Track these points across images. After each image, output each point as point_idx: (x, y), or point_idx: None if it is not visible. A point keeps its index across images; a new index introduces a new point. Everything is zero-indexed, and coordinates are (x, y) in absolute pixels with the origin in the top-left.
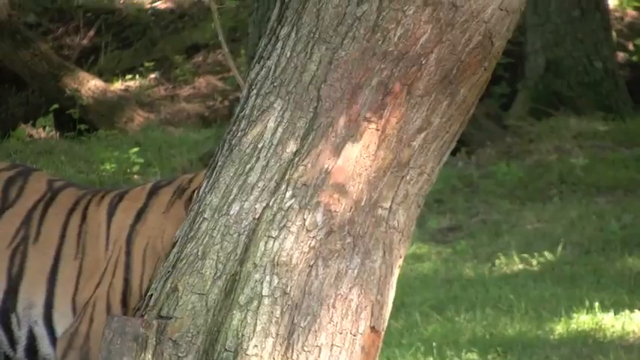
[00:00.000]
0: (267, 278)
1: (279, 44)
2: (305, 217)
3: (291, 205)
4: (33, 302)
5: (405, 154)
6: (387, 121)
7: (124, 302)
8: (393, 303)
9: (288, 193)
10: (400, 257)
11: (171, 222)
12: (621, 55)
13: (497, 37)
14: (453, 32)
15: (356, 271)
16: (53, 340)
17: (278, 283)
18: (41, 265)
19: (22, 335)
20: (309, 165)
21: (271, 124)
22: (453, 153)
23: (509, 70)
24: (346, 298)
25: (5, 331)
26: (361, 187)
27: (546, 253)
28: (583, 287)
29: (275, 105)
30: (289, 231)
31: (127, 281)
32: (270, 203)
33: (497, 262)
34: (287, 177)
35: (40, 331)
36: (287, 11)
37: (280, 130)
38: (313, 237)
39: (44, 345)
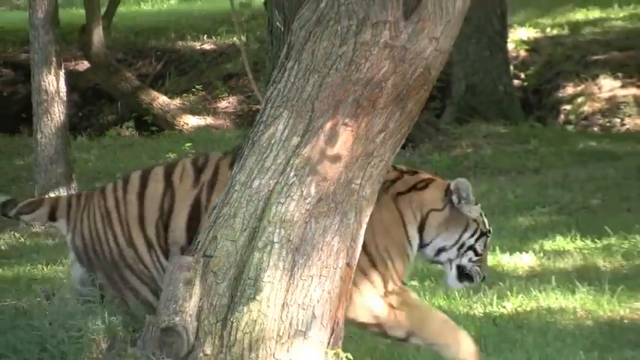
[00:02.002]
0: (277, 231)
1: (286, 73)
2: (303, 189)
3: (293, 182)
4: None
5: (370, 148)
6: (359, 125)
7: None
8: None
9: (292, 173)
10: (367, 217)
11: None
12: (516, 82)
13: (433, 69)
14: (404, 66)
15: (337, 226)
16: None
17: (284, 233)
18: None
19: None
20: (306, 154)
21: (280, 127)
22: (403, 147)
23: (440, 91)
24: (330, 244)
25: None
26: (341, 169)
27: None
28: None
29: (283, 114)
30: (292, 199)
31: None
32: (279, 180)
33: None
34: (291, 162)
35: None
36: (292, 51)
37: (287, 131)
38: (308, 203)
39: None
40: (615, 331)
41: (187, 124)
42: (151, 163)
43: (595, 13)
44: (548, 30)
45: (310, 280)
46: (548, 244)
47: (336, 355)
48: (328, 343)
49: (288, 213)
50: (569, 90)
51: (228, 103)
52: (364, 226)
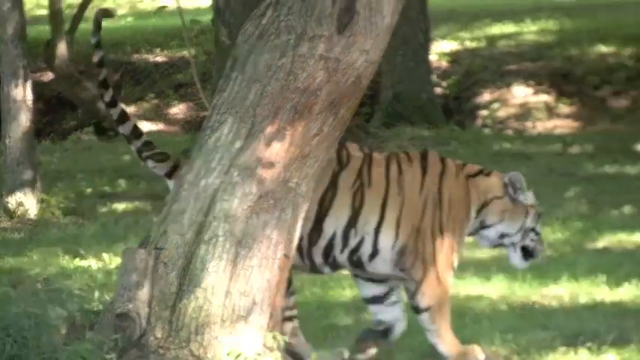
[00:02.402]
0: (222, 225)
1: (231, 83)
2: (245, 188)
3: (236, 180)
4: (368, 220)
5: (306, 150)
6: (296, 129)
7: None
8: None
9: (235, 173)
10: (303, 212)
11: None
12: (438, 90)
13: (364, 79)
14: (337, 76)
15: (275, 221)
16: (374, 249)
17: (228, 228)
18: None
19: (354, 243)
20: (248, 156)
21: (225, 132)
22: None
23: (370, 98)
24: (269, 237)
25: (343, 239)
26: (279, 169)
27: None
28: None
29: (228, 120)
30: (235, 196)
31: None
32: (224, 179)
33: None
34: (234, 163)
35: (368, 240)
36: (236, 63)
37: (231, 135)
38: (250, 200)
39: (366, 250)
40: (527, 315)
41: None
42: (109, 164)
43: (509, 28)
44: (467, 43)
45: (251, 269)
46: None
47: (274, 337)
48: (267, 327)
49: (231, 209)
50: (486, 97)
51: (178, 110)
52: (300, 220)
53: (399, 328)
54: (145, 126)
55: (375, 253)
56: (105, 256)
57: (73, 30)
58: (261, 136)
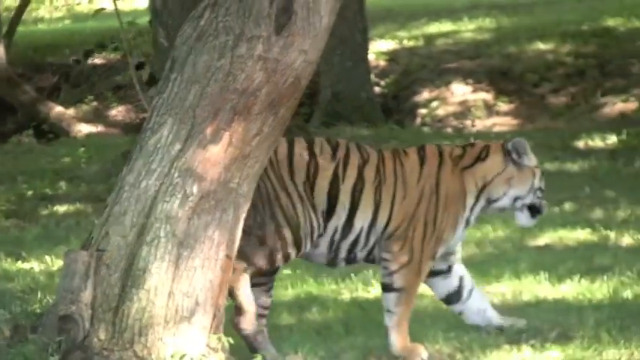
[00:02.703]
0: (163, 226)
1: (170, 84)
2: (186, 189)
3: (177, 182)
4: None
5: (247, 150)
6: (236, 130)
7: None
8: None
9: (175, 175)
10: (244, 212)
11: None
12: (377, 89)
13: (303, 79)
14: (276, 76)
15: (217, 221)
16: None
17: (170, 229)
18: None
19: (373, 241)
20: (189, 157)
21: (165, 133)
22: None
23: (309, 98)
24: (211, 237)
25: (366, 236)
26: (220, 170)
27: None
28: None
29: (168, 121)
30: (176, 198)
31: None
32: (165, 181)
33: None
34: (175, 165)
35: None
36: (175, 64)
37: (171, 136)
38: (191, 201)
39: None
40: None
41: (81, 131)
42: (49, 167)
43: (447, 26)
44: (405, 42)
45: (194, 270)
46: None
47: (218, 338)
48: (211, 328)
49: (172, 210)
50: (425, 95)
51: (117, 112)
52: (242, 221)
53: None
54: (85, 128)
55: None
56: (47, 258)
57: (11, 33)
58: (201, 137)
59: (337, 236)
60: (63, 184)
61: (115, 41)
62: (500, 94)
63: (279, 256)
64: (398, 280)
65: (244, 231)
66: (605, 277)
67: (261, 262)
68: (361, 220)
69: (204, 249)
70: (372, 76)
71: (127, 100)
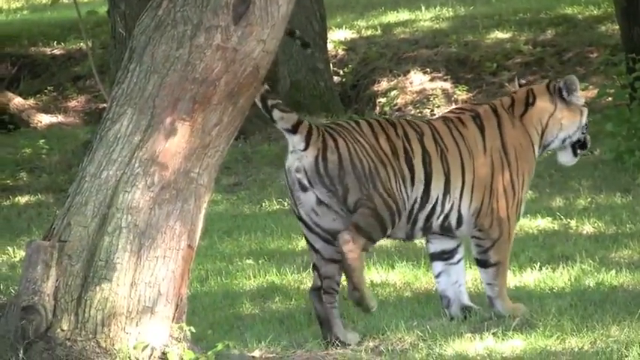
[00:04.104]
0: (125, 217)
1: (129, 74)
2: (147, 179)
3: (138, 172)
4: (456, 186)
5: (207, 140)
6: (196, 120)
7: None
8: (201, 230)
9: (136, 165)
10: (205, 202)
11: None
12: (336, 78)
13: (262, 68)
14: (235, 66)
15: (178, 211)
16: (459, 214)
17: (131, 219)
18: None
19: (447, 207)
20: (149, 147)
21: (125, 123)
22: (236, 138)
23: (269, 87)
24: (172, 227)
25: (441, 204)
26: (180, 160)
27: None
28: None
29: (127, 111)
30: (137, 188)
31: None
32: (126, 171)
33: (263, 204)
34: (135, 155)
35: (456, 205)
36: (134, 54)
37: (131, 126)
38: (152, 191)
39: (454, 215)
40: (432, 301)
41: (41, 122)
42: (10, 158)
43: (404, 15)
44: (363, 31)
45: (156, 260)
46: None
47: (180, 328)
48: (173, 318)
49: (134, 200)
50: (384, 84)
51: (77, 102)
52: (203, 210)
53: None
54: (45, 119)
55: (460, 218)
56: (9, 249)
57: None
58: (161, 127)
59: (416, 206)
60: (24, 175)
61: (74, 32)
62: (458, 83)
63: (389, 226)
64: (494, 255)
65: (356, 207)
66: (566, 266)
67: (376, 234)
68: (436, 190)
69: (166, 239)
70: (331, 66)
71: (86, 90)
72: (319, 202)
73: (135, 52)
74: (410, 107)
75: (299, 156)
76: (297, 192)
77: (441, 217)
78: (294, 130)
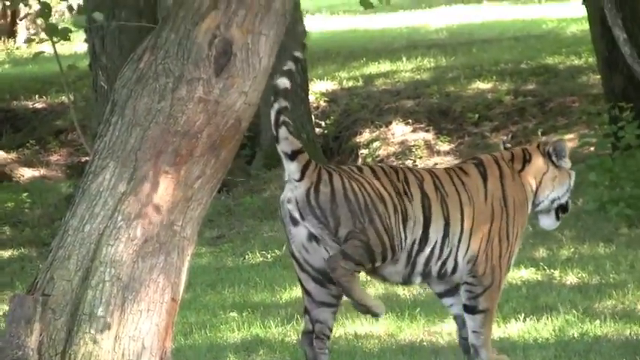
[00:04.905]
0: (108, 270)
1: (111, 127)
2: (130, 232)
3: (121, 225)
4: (455, 232)
5: (189, 193)
6: (178, 173)
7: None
8: (185, 283)
9: (119, 218)
10: (188, 255)
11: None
12: (318, 130)
13: (243, 120)
14: (217, 118)
15: (162, 265)
16: (456, 261)
17: (114, 272)
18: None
19: (446, 253)
20: (132, 200)
21: (108, 176)
22: (219, 191)
23: (250, 140)
24: (155, 280)
25: (440, 249)
26: (163, 213)
27: (277, 250)
28: None
29: (110, 165)
30: (120, 241)
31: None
32: (108, 224)
33: (246, 256)
34: (118, 208)
35: (454, 252)
36: (116, 107)
37: (113, 179)
38: (135, 244)
39: (450, 262)
40: (416, 353)
41: (23, 175)
42: None
43: (386, 66)
44: (344, 82)
45: (139, 314)
46: None
47: None
48: None
49: (117, 254)
50: (366, 135)
51: (59, 155)
52: (187, 263)
53: None
54: (27, 172)
55: (456, 265)
56: None
57: None
58: (143, 180)
59: (415, 248)
60: (7, 229)
61: (55, 85)
62: (440, 134)
63: (378, 259)
64: (483, 302)
65: (347, 239)
66: (550, 316)
67: (365, 262)
68: (435, 233)
69: (150, 292)
70: (313, 117)
71: (68, 144)
72: (310, 237)
73: (117, 105)
74: (392, 158)
75: (292, 186)
76: (288, 225)
77: (439, 263)
78: (292, 156)
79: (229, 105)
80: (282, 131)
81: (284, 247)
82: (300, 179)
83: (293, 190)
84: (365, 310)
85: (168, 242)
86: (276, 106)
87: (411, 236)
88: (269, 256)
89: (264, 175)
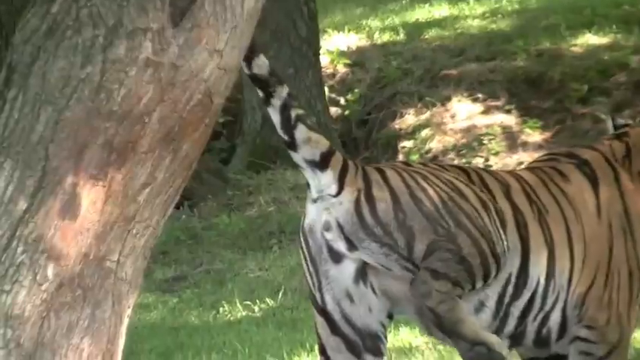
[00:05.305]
0: (1, 331)
1: (7, 106)
2: (36, 271)
3: (22, 260)
4: (564, 266)
5: (131, 209)
6: (113, 177)
7: None
8: (123, 351)
9: (20, 249)
10: (129, 307)
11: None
12: (334, 110)
13: (216, 95)
14: (175, 91)
15: (87, 322)
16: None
17: (12, 335)
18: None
19: (550, 302)
20: (39, 221)
21: (1, 184)
22: (177, 206)
23: (228, 126)
24: (78, 347)
25: (542, 294)
26: (90, 241)
27: (268, 300)
28: (303, 331)
29: (4, 165)
30: (21, 285)
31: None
32: (2, 259)
33: (221, 309)
34: (18, 233)
35: (562, 298)
36: (14, 75)
37: (11, 188)
38: (45, 290)
39: (555, 317)
40: None
41: None
42: None
43: (442, 10)
44: (376, 35)
45: None
46: None
47: None
48: None
49: (16, 306)
50: (410, 119)
51: None
52: (126, 320)
53: None
54: None
55: (564, 322)
56: None
57: None
58: (57, 190)
59: (510, 290)
60: None
61: None
62: (528, 116)
63: (478, 274)
64: (601, 348)
65: (429, 252)
66: None
67: (464, 280)
68: (536, 268)
69: None
70: (326, 90)
71: None
72: (359, 276)
73: (16, 72)
74: (451, 155)
75: (327, 205)
76: (324, 265)
77: (540, 317)
78: (323, 163)
79: (194, 70)
80: (301, 131)
81: (280, 295)
82: (340, 191)
83: (330, 211)
84: (484, 351)
85: (97, 287)
86: (275, 102)
87: (506, 269)
88: (257, 308)
89: (248, 180)
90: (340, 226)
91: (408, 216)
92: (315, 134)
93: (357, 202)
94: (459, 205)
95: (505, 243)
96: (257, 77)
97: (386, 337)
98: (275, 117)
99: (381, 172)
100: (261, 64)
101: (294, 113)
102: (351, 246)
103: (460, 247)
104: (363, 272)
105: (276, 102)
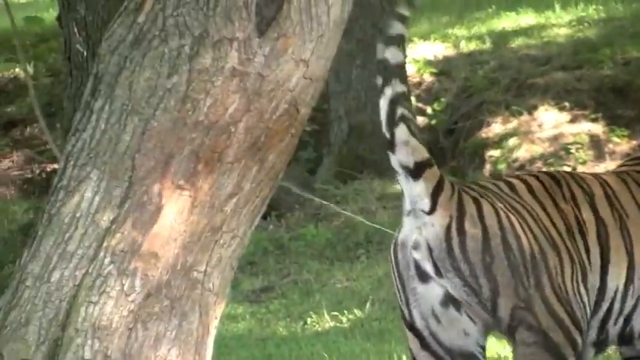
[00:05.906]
0: (89, 342)
1: (94, 117)
2: (123, 282)
3: (109, 271)
4: None
5: (217, 219)
6: (200, 187)
7: None
8: None
9: (107, 260)
10: (216, 318)
11: None
12: (420, 119)
13: (302, 105)
14: (261, 101)
15: (174, 333)
16: None
17: (99, 346)
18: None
19: (629, 305)
20: (126, 232)
21: (88, 194)
22: (264, 217)
23: (314, 136)
24: (165, 358)
25: (621, 301)
26: (176, 251)
27: (356, 310)
28: (391, 342)
29: (91, 175)
30: (109, 296)
31: None
32: (90, 270)
33: (309, 320)
34: (105, 244)
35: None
36: (100, 85)
37: (97, 199)
38: (132, 301)
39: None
40: None
41: None
42: None
43: (528, 19)
44: (462, 44)
45: None
46: None
47: None
48: None
49: (103, 317)
50: (497, 128)
51: (11, 162)
52: (213, 331)
53: None
54: None
55: None
56: None
57: None
58: (144, 201)
59: (591, 309)
60: None
61: (4, 51)
62: (615, 125)
63: (567, 348)
64: None
65: (513, 322)
66: None
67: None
68: (615, 279)
69: None
70: (413, 99)
71: (24, 143)
72: (447, 300)
73: (102, 83)
74: (539, 163)
75: (420, 224)
76: (411, 281)
77: (621, 321)
78: (417, 172)
79: (280, 80)
80: (401, 132)
81: (367, 306)
82: (432, 211)
83: (422, 230)
84: None
85: (184, 297)
86: (388, 91)
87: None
88: (344, 319)
89: (335, 190)
90: (430, 249)
91: (495, 263)
92: (415, 141)
93: (449, 230)
94: (545, 261)
95: (586, 302)
96: (384, 62)
97: (484, 357)
98: (383, 109)
99: (477, 202)
100: (395, 54)
101: (400, 111)
102: (438, 271)
103: (539, 323)
104: (452, 298)
105: (388, 92)
